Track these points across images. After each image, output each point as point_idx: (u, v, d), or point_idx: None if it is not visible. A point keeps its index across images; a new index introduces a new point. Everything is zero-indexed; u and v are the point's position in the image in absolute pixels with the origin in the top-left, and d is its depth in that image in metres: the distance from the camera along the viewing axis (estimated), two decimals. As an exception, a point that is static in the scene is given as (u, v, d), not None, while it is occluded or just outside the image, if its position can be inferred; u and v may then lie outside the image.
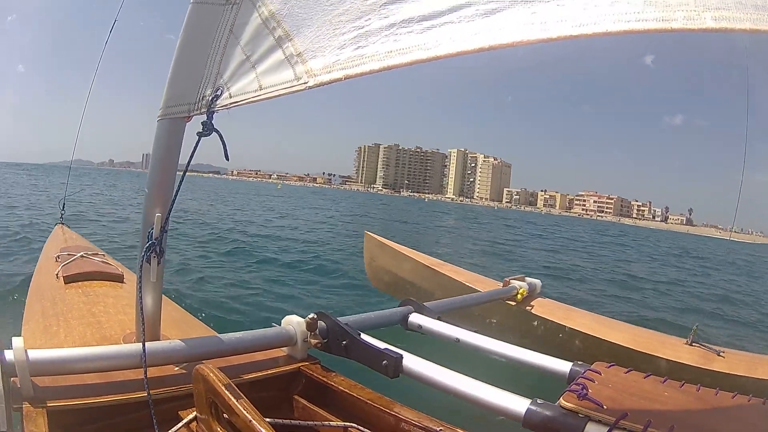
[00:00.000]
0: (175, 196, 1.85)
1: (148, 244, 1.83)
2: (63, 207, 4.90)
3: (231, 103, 1.67)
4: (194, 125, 1.76)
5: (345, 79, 1.44)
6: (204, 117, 1.72)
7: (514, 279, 4.22)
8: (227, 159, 1.77)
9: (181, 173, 1.85)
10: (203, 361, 1.76)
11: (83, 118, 4.59)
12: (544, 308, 4.05)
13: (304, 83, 1.51)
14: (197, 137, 1.72)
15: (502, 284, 4.23)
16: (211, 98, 1.70)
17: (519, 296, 4.04)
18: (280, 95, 1.57)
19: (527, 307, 4.05)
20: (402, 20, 1.37)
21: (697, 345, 3.43)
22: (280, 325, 2.22)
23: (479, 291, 4.10)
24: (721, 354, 3.32)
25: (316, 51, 1.51)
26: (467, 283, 4.41)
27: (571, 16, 1.12)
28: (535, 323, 3.95)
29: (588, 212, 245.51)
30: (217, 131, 1.72)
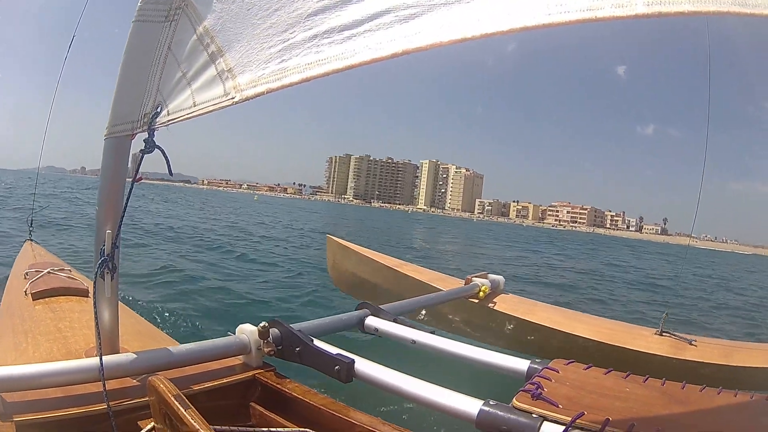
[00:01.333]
0: (124, 212, 1.88)
1: (100, 261, 1.86)
2: (31, 224, 4.93)
3: (168, 120, 1.70)
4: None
5: (267, 92, 1.46)
6: (146, 134, 1.75)
7: (476, 276, 4.21)
8: (170, 173, 1.81)
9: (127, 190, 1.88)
10: (157, 373, 1.80)
11: (48, 127, 4.66)
12: (507, 304, 4.03)
13: (231, 98, 1.53)
14: (140, 154, 1.76)
15: (464, 282, 4.22)
16: (151, 116, 1.73)
17: (481, 293, 4.03)
18: (211, 111, 1.60)
19: (490, 304, 4.02)
20: (324, 31, 1.38)
21: (668, 334, 3.41)
22: (234, 333, 2.25)
23: (441, 289, 4.09)
24: (693, 343, 3.30)
25: (245, 66, 1.53)
26: (429, 282, 4.40)
27: (487, 15, 1.12)
28: (498, 320, 3.93)
29: (561, 223, 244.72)
30: (159, 147, 1.75)
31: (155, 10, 1.73)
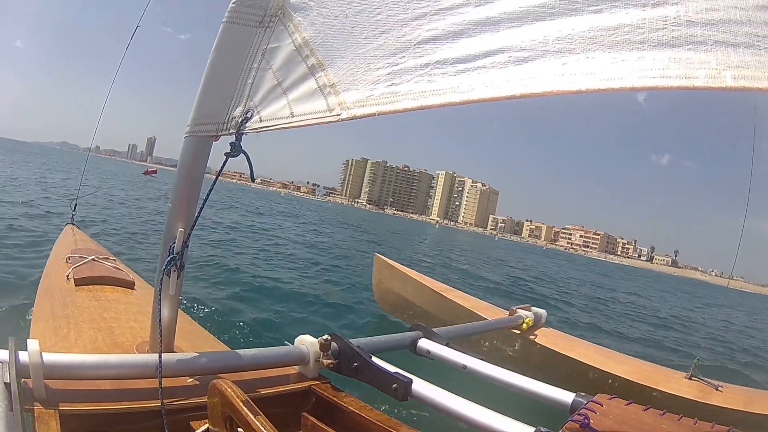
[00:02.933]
0: (199, 212, 1.88)
1: (169, 258, 1.85)
2: (74, 208, 4.83)
3: (262, 127, 1.70)
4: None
5: (378, 114, 1.47)
6: (232, 137, 1.74)
7: (520, 308, 4.29)
8: (253, 180, 1.80)
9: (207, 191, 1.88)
10: (219, 376, 1.79)
11: (104, 107, 4.55)
12: (548, 338, 4.12)
13: (337, 115, 1.53)
14: (225, 157, 1.75)
15: (508, 313, 4.29)
16: (240, 120, 1.72)
17: (524, 325, 4.10)
18: (311, 124, 1.60)
19: (531, 336, 4.11)
20: (436, 61, 1.40)
21: (697, 379, 3.52)
22: (293, 344, 2.25)
23: (485, 318, 4.18)
24: (719, 389, 3.41)
25: (349, 84, 1.54)
26: (474, 310, 4.48)
27: (599, 70, 1.15)
28: (538, 352, 4.01)
29: (573, 246, 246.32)
30: (245, 153, 1.75)
31: (248, 14, 1.74)
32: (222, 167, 1.79)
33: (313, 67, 1.61)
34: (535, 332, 4.18)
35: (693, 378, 3.54)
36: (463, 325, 3.60)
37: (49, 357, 1.62)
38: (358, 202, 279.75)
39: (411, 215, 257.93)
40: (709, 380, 3.52)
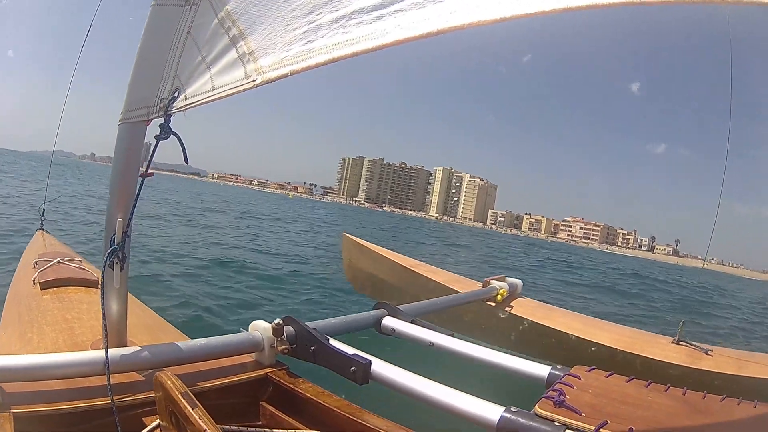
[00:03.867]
0: (136, 200, 1.81)
1: (110, 250, 1.80)
2: (43, 213, 4.89)
3: (186, 105, 1.64)
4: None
5: (291, 74, 1.41)
6: (162, 120, 1.68)
7: (494, 279, 4.17)
8: (186, 162, 1.73)
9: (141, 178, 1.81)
10: (166, 369, 1.73)
11: (63, 110, 4.59)
12: (524, 308, 4.00)
13: (253, 81, 1.48)
14: (155, 140, 1.69)
15: (482, 285, 4.17)
16: (168, 100, 1.67)
17: (499, 297, 3.98)
18: (230, 94, 1.55)
19: (507, 308, 3.99)
20: (352, 12, 1.34)
21: (684, 343, 3.40)
22: (248, 330, 2.18)
23: (457, 291, 4.06)
24: (708, 353, 3.28)
25: (267, 48, 1.48)
26: (445, 284, 4.37)
27: None
28: (515, 324, 3.88)
29: (574, 238, 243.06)
30: (175, 134, 1.69)
31: (175, -6, 1.69)
32: (153, 151, 1.73)
33: (234, 38, 1.56)
34: (511, 303, 4.05)
35: (681, 342, 3.41)
36: (430, 300, 3.49)
37: (2, 360, 1.60)
38: (356, 200, 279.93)
39: (410, 212, 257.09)
40: (697, 344, 3.39)
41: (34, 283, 2.94)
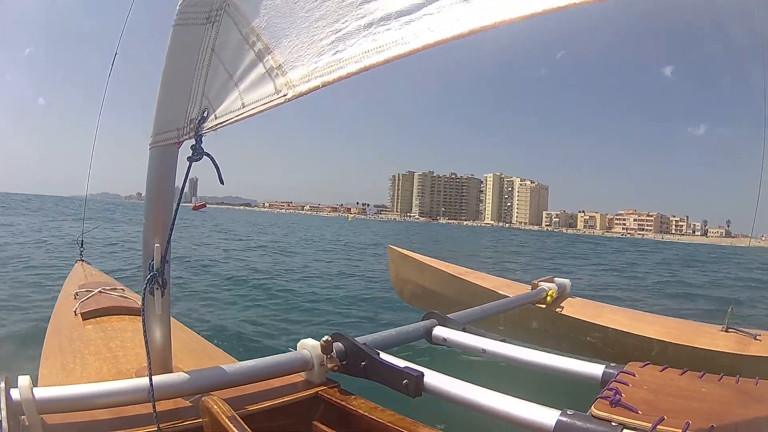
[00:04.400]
0: (173, 225, 1.79)
1: (149, 276, 1.78)
2: (81, 244, 4.94)
3: (217, 125, 1.61)
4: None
5: (323, 86, 1.37)
6: (193, 141, 1.66)
7: (542, 281, 4.12)
8: (221, 182, 1.69)
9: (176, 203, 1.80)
10: (213, 393, 1.72)
11: (93, 152, 4.63)
12: (574, 308, 3.94)
13: (284, 95, 1.44)
14: (188, 162, 1.66)
15: (530, 287, 4.11)
16: (198, 121, 1.65)
17: (548, 298, 3.93)
18: (261, 111, 1.51)
19: (557, 309, 3.93)
20: (380, 18, 1.30)
21: (733, 330, 3.35)
22: (296, 349, 2.15)
23: (506, 296, 4.00)
24: (757, 337, 3.22)
25: (295, 61, 1.45)
26: (494, 289, 4.31)
27: None
28: (566, 324, 3.83)
29: (629, 231, 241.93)
30: (208, 155, 1.66)
31: (195, 13, 1.68)
32: (187, 173, 1.70)
33: (260, 53, 1.53)
34: (561, 304, 3.99)
35: (729, 330, 3.35)
36: (480, 306, 3.43)
37: (41, 391, 1.58)
38: (410, 215, 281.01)
39: (465, 222, 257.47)
40: (746, 330, 3.33)
41: (75, 314, 2.94)
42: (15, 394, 1.53)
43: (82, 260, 4.75)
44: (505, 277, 4.96)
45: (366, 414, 1.86)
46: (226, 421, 1.40)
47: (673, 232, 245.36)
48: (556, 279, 4.18)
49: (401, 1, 1.26)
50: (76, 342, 2.52)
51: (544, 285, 4.04)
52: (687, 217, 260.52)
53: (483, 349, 2.48)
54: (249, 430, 1.37)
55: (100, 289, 3.34)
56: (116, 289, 3.46)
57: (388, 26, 1.28)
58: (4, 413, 1.45)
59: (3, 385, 1.53)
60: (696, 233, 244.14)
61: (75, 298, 3.22)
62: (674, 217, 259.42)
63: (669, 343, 3.33)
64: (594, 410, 1.64)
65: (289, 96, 1.43)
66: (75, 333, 2.66)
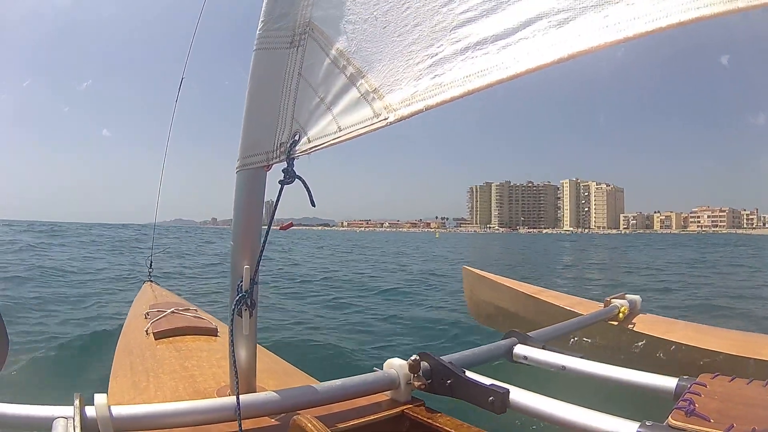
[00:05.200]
0: (263, 247, 1.84)
1: (238, 297, 1.82)
2: (150, 264, 4.97)
3: (311, 148, 1.65)
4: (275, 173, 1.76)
5: (426, 109, 1.40)
6: (284, 164, 1.70)
7: (614, 298, 4.14)
8: (313, 205, 1.73)
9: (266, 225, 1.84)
10: (300, 411, 1.74)
11: (162, 181, 4.72)
12: (645, 324, 3.95)
13: (385, 119, 1.47)
14: (279, 185, 1.71)
15: (603, 305, 4.14)
16: (289, 144, 1.69)
17: (621, 315, 3.95)
18: (361, 134, 1.54)
19: (629, 326, 3.94)
20: (476, 42, 1.33)
21: None
22: (381, 369, 2.16)
23: (580, 314, 4.03)
24: None
25: (392, 85, 1.48)
26: (568, 308, 4.33)
27: (642, 14, 1.08)
28: (638, 341, 3.84)
29: (704, 228, 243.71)
30: (300, 177, 1.70)
31: (277, 37, 1.71)
32: (279, 196, 1.74)
33: (353, 76, 1.56)
34: (633, 321, 4.00)
35: None
36: (557, 324, 3.47)
37: (119, 409, 1.59)
38: (490, 227, 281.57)
39: (544, 230, 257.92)
40: None
41: (147, 334, 2.95)
42: (90, 411, 1.54)
43: (151, 281, 4.79)
44: None
45: (452, 431, 1.87)
46: None
47: (745, 225, 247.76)
48: (627, 296, 4.19)
49: (495, 26, 1.29)
50: (148, 361, 2.53)
51: (617, 302, 4.07)
52: (757, 209, 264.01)
53: (563, 366, 2.51)
54: None
55: (172, 309, 3.34)
56: (189, 309, 3.46)
57: (486, 50, 1.31)
58: (78, 431, 1.46)
59: (77, 402, 1.54)
60: (767, 226, 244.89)
61: (146, 318, 3.23)
62: (744, 210, 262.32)
63: (736, 356, 3.34)
64: (671, 420, 1.68)
65: (390, 120, 1.46)
66: (147, 352, 2.67)
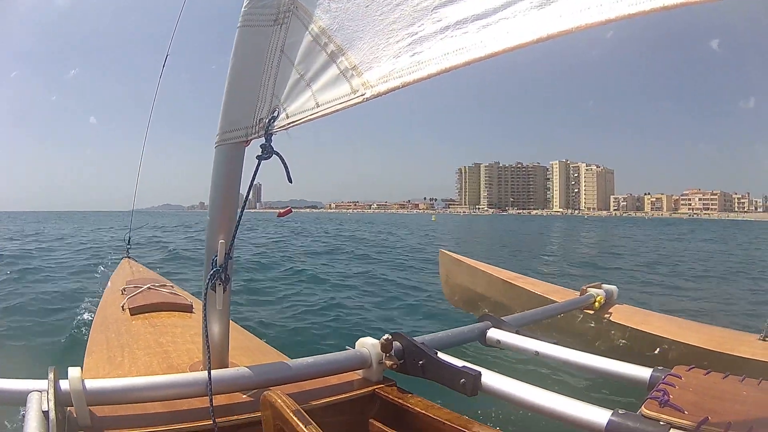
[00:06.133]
0: (239, 221, 1.84)
1: (212, 272, 1.82)
2: (129, 241, 4.98)
3: (288, 124, 1.65)
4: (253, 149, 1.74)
5: (402, 86, 1.40)
6: (262, 140, 1.70)
7: (590, 287, 4.15)
8: (290, 181, 1.72)
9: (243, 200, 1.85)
10: (271, 388, 1.73)
11: (141, 165, 4.72)
12: (621, 314, 3.98)
13: (362, 95, 1.48)
14: (257, 161, 1.70)
15: (579, 293, 4.16)
16: (268, 120, 1.69)
17: (596, 304, 3.97)
18: (337, 110, 1.55)
19: (605, 315, 3.97)
20: (456, 21, 1.32)
21: None
22: (354, 347, 2.17)
23: (556, 301, 4.04)
24: None
25: (371, 62, 1.48)
26: (544, 295, 4.36)
27: None
28: (613, 330, 3.88)
29: (695, 211, 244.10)
30: (277, 153, 1.70)
31: (262, 14, 1.72)
32: (256, 171, 1.74)
33: (333, 54, 1.57)
34: (609, 310, 4.02)
35: (766, 339, 3.40)
36: (532, 310, 3.49)
37: (92, 383, 1.60)
38: (479, 208, 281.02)
39: (533, 211, 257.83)
40: None
41: (123, 309, 2.96)
42: (64, 385, 1.55)
43: (129, 257, 4.79)
44: None
45: (422, 411, 1.87)
46: (291, 414, 1.40)
47: (737, 209, 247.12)
48: (603, 285, 4.22)
49: (476, 6, 1.29)
50: (124, 336, 2.54)
51: (593, 291, 4.09)
52: (748, 193, 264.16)
53: (536, 352, 2.51)
54: (313, 423, 1.38)
55: (148, 285, 3.35)
56: (165, 285, 3.48)
57: (465, 29, 1.31)
58: (51, 404, 1.46)
59: (51, 376, 1.54)
60: (759, 210, 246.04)
61: (123, 293, 3.24)
62: (736, 194, 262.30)
63: (711, 351, 3.37)
64: (644, 410, 1.68)
65: (367, 95, 1.46)
66: (123, 327, 2.68)
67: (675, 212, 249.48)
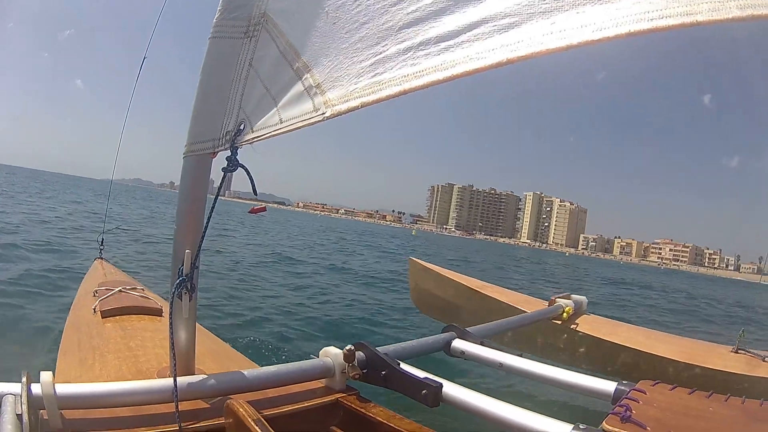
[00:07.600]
0: (204, 232, 1.85)
1: (178, 281, 1.83)
2: (102, 242, 4.95)
3: (253, 138, 1.65)
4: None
5: (362, 106, 1.41)
6: (228, 152, 1.71)
7: (559, 297, 4.18)
8: (255, 193, 1.74)
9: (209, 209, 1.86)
10: (234, 396, 1.76)
11: (121, 139, 4.68)
12: (589, 325, 3.99)
13: (322, 114, 1.48)
14: (222, 173, 1.72)
15: (548, 303, 4.17)
16: (234, 133, 1.69)
17: (565, 314, 3.97)
18: (299, 128, 1.55)
19: (573, 326, 3.98)
20: (419, 43, 1.33)
21: (743, 352, 3.45)
22: (317, 357, 2.19)
23: (524, 311, 4.05)
24: (766, 359, 3.31)
25: (334, 81, 1.49)
26: (513, 304, 4.36)
27: (591, 21, 1.08)
28: (582, 341, 3.88)
29: (664, 260, 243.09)
30: (242, 166, 1.71)
31: (233, 26, 1.72)
32: (221, 183, 1.77)
33: (299, 70, 1.57)
34: (577, 321, 4.04)
35: (740, 351, 3.45)
36: (498, 321, 3.49)
37: (63, 387, 1.62)
38: (446, 228, 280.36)
39: (500, 239, 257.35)
40: (756, 352, 3.42)
41: (94, 312, 2.97)
42: (36, 389, 1.57)
43: (102, 258, 4.78)
44: None
45: (384, 421, 1.89)
46: (252, 423, 1.43)
47: (707, 265, 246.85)
48: (573, 296, 4.23)
49: (440, 28, 1.30)
50: (95, 339, 2.56)
51: (562, 301, 4.10)
52: (720, 250, 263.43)
53: (500, 363, 2.53)
54: (272, 431, 1.40)
55: (120, 288, 3.37)
56: (136, 288, 3.48)
57: (427, 51, 1.32)
58: (24, 407, 1.49)
59: (24, 379, 1.57)
60: (729, 268, 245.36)
61: (94, 296, 3.25)
62: (708, 249, 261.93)
63: (681, 362, 3.39)
64: (605, 425, 1.69)
65: (327, 115, 1.47)
66: (94, 330, 2.69)
67: (644, 259, 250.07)
